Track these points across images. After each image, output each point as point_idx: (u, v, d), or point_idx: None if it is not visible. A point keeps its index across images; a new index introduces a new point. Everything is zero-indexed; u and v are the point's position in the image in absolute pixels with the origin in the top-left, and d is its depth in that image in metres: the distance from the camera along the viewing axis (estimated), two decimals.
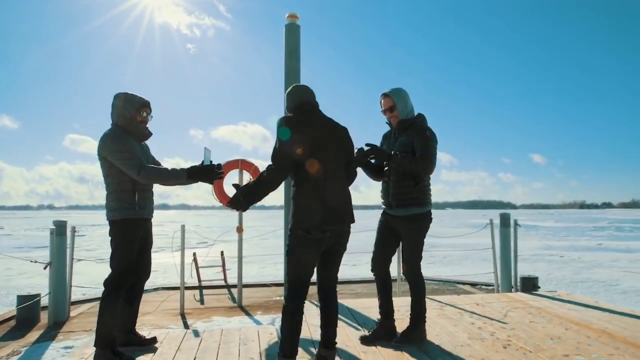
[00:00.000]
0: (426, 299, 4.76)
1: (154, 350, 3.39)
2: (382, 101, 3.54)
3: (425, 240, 3.44)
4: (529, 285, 5.61)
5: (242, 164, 5.41)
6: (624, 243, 23.20)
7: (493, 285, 6.36)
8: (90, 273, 12.05)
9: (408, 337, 3.42)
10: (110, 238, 3.22)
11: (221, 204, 5.31)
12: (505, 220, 5.79)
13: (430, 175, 3.47)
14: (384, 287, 3.56)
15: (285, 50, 6.19)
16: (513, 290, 5.71)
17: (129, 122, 3.30)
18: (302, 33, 6.16)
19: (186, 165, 3.61)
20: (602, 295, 9.27)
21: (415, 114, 3.49)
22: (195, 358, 3.21)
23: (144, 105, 3.37)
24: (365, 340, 3.46)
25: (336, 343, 2.92)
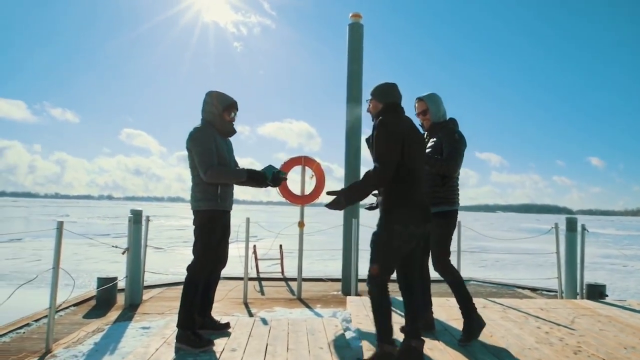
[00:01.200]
0: (487, 301, 4.73)
1: (227, 334, 3.60)
2: (416, 105, 3.74)
3: (457, 238, 3.56)
4: (596, 293, 5.42)
5: (305, 161, 5.55)
6: None
7: (554, 292, 6.19)
8: (149, 261, 12.72)
9: (467, 333, 3.47)
10: (194, 227, 3.46)
11: (287, 201, 5.48)
12: (571, 224, 5.62)
13: (458, 177, 3.66)
14: (421, 281, 3.72)
15: (348, 49, 6.29)
16: (578, 297, 5.54)
17: (216, 118, 3.53)
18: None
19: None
20: None
21: (447, 118, 3.68)
22: (267, 344, 3.37)
23: (232, 106, 3.60)
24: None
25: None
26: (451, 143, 3.50)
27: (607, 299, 5.38)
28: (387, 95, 3.02)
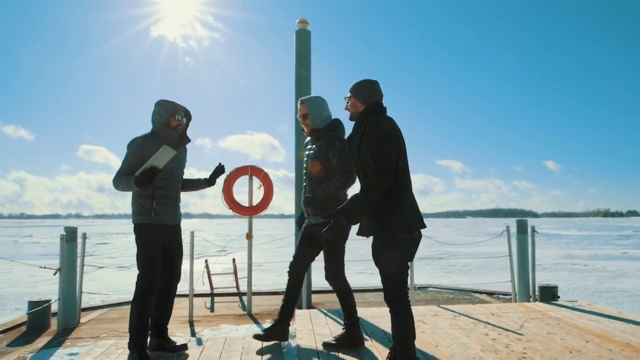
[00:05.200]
0: (440, 308, 4.64)
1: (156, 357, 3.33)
2: (299, 107, 3.54)
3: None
4: (548, 294, 5.39)
5: (252, 170, 5.35)
6: None
7: (510, 295, 6.15)
8: (112, 280, 12.18)
9: (342, 339, 3.46)
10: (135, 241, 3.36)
11: (232, 212, 5.26)
12: (522, 227, 5.59)
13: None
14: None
15: (295, 56, 6.16)
16: (531, 299, 5.50)
17: (162, 127, 3.36)
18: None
19: (199, 175, 3.87)
20: (627, 305, 8.92)
21: (329, 121, 3.48)
22: None
23: (176, 111, 3.39)
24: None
25: None
26: (337, 154, 3.32)
27: (560, 300, 5.35)
28: (370, 95, 2.79)
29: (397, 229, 2.61)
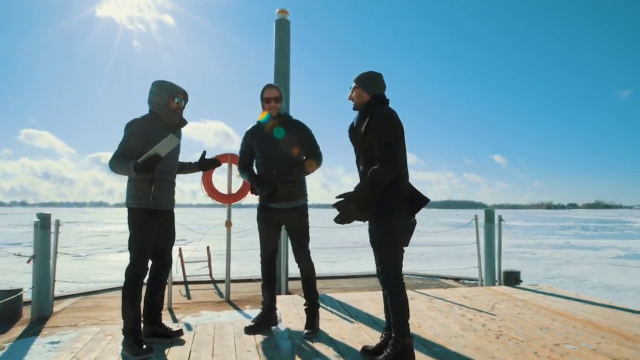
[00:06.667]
0: (415, 292, 4.85)
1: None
2: (267, 90, 3.59)
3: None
4: (512, 279, 5.77)
5: (232, 158, 5.35)
6: (590, 241, 24.04)
7: (475, 280, 6.51)
8: (67, 269, 11.75)
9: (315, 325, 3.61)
10: (128, 225, 3.28)
11: (213, 200, 5.26)
12: (489, 216, 5.93)
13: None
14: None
15: (275, 46, 6.18)
16: (497, 284, 5.86)
17: (162, 109, 3.29)
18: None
19: None
20: (573, 290, 9.59)
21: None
22: (190, 351, 3.18)
23: (177, 92, 3.33)
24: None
25: None
26: (311, 138, 3.61)
27: (522, 284, 5.74)
28: (375, 86, 2.88)
29: (396, 215, 2.75)
